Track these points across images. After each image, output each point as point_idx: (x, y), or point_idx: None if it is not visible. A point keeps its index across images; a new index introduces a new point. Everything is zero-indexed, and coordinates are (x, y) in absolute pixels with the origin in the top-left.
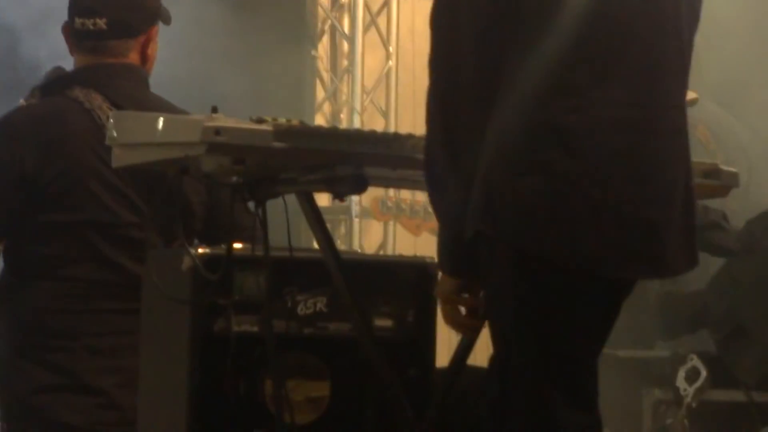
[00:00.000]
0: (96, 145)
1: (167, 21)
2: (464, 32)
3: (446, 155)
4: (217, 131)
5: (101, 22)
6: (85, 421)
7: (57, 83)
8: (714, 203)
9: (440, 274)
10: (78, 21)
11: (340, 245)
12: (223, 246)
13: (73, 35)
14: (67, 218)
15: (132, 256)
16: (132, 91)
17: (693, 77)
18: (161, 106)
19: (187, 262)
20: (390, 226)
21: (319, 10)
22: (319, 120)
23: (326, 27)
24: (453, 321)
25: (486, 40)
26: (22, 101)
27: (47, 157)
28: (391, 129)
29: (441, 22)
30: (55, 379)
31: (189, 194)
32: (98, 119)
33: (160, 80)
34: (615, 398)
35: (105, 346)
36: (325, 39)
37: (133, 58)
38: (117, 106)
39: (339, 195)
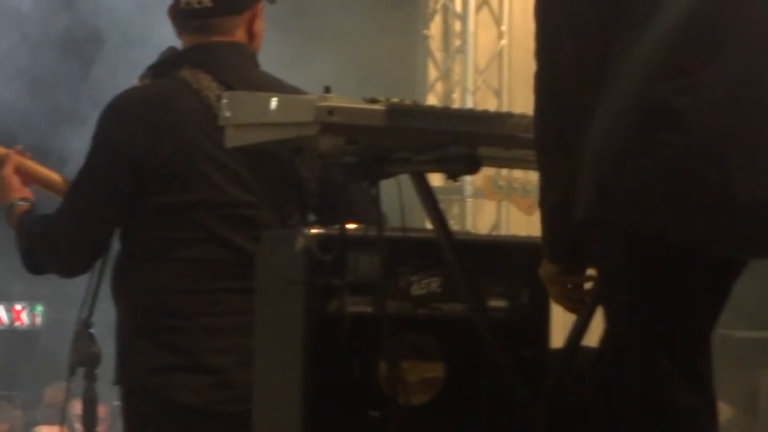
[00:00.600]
0: (205, 126)
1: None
2: (569, 15)
3: (554, 140)
4: (331, 111)
5: (206, 0)
6: (202, 400)
7: (166, 64)
8: None
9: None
10: (183, 1)
11: (453, 226)
12: (336, 226)
13: (179, 16)
14: (180, 200)
15: (246, 235)
16: (241, 70)
17: None
18: (270, 84)
19: (301, 243)
20: (503, 206)
21: None
22: (432, 100)
23: (438, 6)
24: (560, 297)
25: (592, 23)
26: (136, 80)
27: (157, 139)
28: (504, 108)
29: (546, 5)
30: (173, 359)
31: (302, 170)
32: (207, 99)
33: (263, 59)
34: (731, 378)
35: (222, 325)
36: (438, 18)
37: (240, 35)
38: (226, 85)
39: (452, 175)
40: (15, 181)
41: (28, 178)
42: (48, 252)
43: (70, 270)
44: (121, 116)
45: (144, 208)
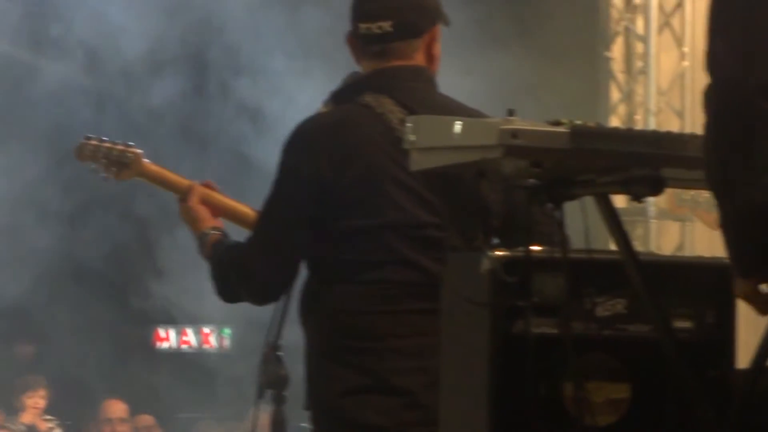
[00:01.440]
0: (390, 149)
1: (446, 22)
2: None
3: (737, 156)
4: (514, 134)
5: (386, 25)
6: (391, 421)
7: (348, 90)
8: None
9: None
10: (363, 26)
11: (637, 247)
12: (521, 248)
13: (359, 42)
14: (366, 223)
15: (432, 257)
16: (422, 93)
17: None
18: (452, 107)
19: (486, 264)
20: (687, 226)
21: (613, 11)
22: (614, 121)
23: (620, 28)
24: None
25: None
26: (321, 106)
27: (343, 164)
28: (687, 130)
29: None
30: (362, 380)
31: (486, 192)
32: (390, 123)
33: (450, 84)
34: None
35: (409, 346)
36: (619, 40)
37: (419, 59)
38: (408, 108)
39: (636, 196)
40: (203, 211)
41: (214, 209)
42: (241, 280)
43: (264, 297)
44: (307, 142)
45: (331, 231)
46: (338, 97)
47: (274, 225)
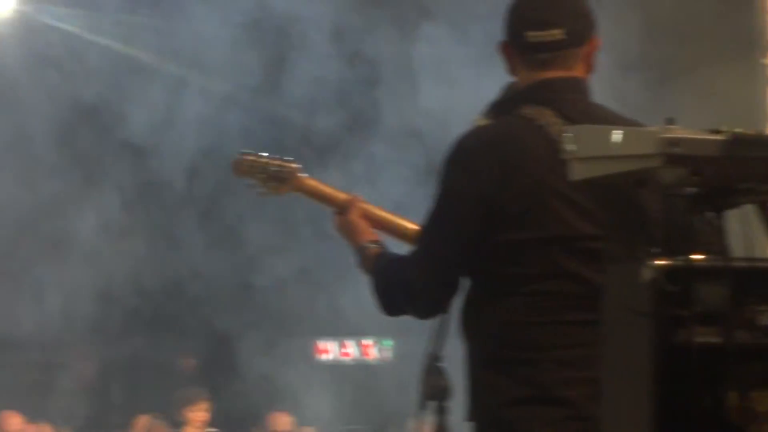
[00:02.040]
0: (552, 162)
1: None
2: None
3: None
4: (674, 142)
5: (558, 33)
6: None
7: (508, 102)
8: None
9: None
10: (532, 34)
11: None
12: (682, 257)
13: (523, 51)
14: (529, 236)
15: (593, 268)
16: (581, 104)
17: None
18: (610, 117)
19: (647, 274)
20: None
21: None
22: None
23: None
24: None
25: None
26: (477, 117)
27: (506, 179)
28: None
29: None
30: (524, 391)
31: (647, 202)
32: (551, 135)
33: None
34: None
35: (572, 357)
36: None
37: (580, 68)
38: (569, 120)
39: None
40: (363, 224)
41: (372, 223)
42: (404, 295)
43: (427, 312)
44: (468, 158)
45: (494, 244)
46: (497, 109)
47: (437, 240)
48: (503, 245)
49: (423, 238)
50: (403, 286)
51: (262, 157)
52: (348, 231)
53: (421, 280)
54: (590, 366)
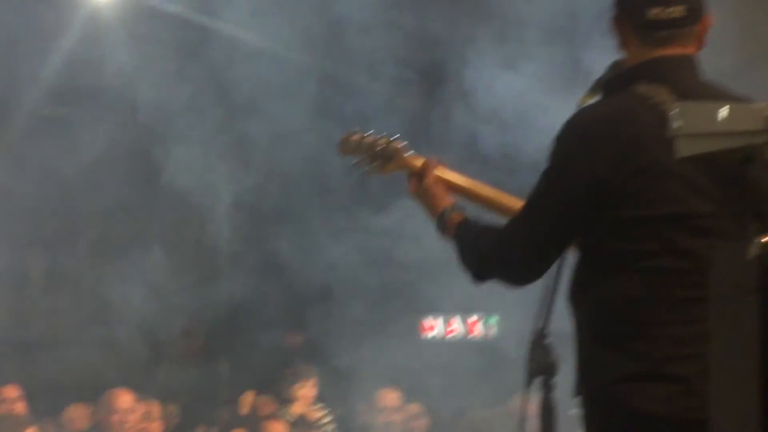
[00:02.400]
0: (665, 140)
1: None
2: None
3: None
4: None
5: (679, 10)
6: (667, 408)
7: (620, 79)
8: None
9: None
10: (653, 11)
11: None
12: None
13: (640, 27)
14: (642, 213)
15: (704, 245)
16: (693, 81)
17: None
18: (720, 94)
19: (754, 251)
20: None
21: None
22: None
23: None
24: None
25: None
26: (584, 97)
27: (619, 158)
28: None
29: None
30: (636, 367)
31: (757, 179)
32: (664, 113)
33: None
34: None
35: (683, 333)
36: None
37: (693, 46)
38: (682, 97)
39: None
40: (440, 189)
41: (448, 187)
42: (498, 263)
43: (520, 281)
44: (582, 134)
45: (605, 222)
46: (607, 87)
47: (543, 214)
48: (618, 222)
49: (528, 210)
50: (497, 254)
51: (368, 135)
52: (424, 196)
53: (519, 249)
54: (702, 343)
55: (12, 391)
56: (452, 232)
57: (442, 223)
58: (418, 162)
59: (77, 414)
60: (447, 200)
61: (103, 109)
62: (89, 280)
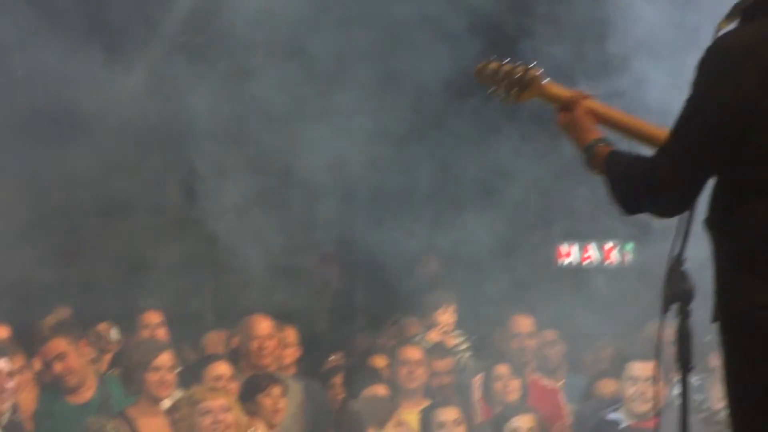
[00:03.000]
0: None
1: None
2: None
3: None
4: None
5: None
6: None
7: (760, 5)
8: None
9: None
10: None
11: None
12: None
13: None
14: None
15: None
16: None
17: None
18: None
19: None
20: None
21: None
22: None
23: None
24: None
25: None
26: (721, 22)
27: (764, 82)
28: None
29: None
30: None
31: None
32: None
33: None
34: None
35: None
36: None
37: None
38: None
39: None
40: (588, 122)
41: (596, 119)
42: (648, 193)
43: (670, 211)
44: (725, 62)
45: (749, 148)
46: (748, 13)
47: (688, 143)
48: (759, 148)
49: (675, 139)
50: (646, 185)
51: (505, 63)
52: (573, 128)
53: (667, 180)
54: None
55: (154, 317)
56: (600, 164)
57: (590, 155)
58: (556, 90)
59: (215, 340)
60: (595, 133)
61: None
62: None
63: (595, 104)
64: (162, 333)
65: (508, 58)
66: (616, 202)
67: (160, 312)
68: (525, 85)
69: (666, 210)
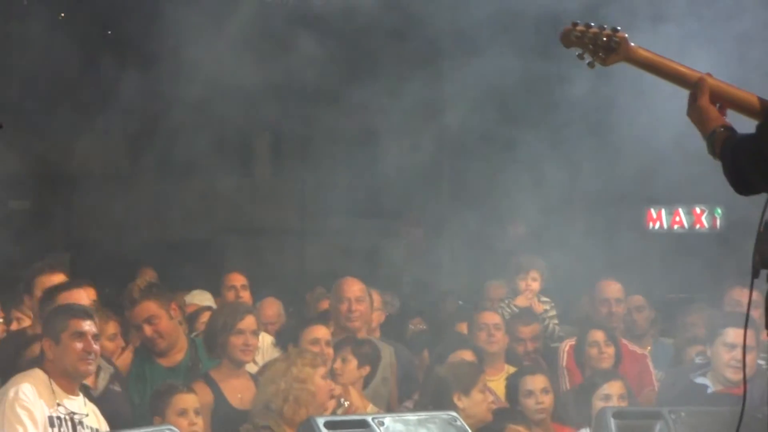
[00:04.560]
0: None
1: None
2: None
3: None
4: None
5: None
6: None
7: None
8: None
9: None
10: None
11: None
12: None
13: None
14: None
15: None
16: None
17: None
18: None
19: None
20: None
21: None
22: None
23: None
24: None
25: None
26: None
27: None
28: None
29: None
30: None
31: None
32: None
33: None
34: None
35: None
36: None
37: None
38: None
39: None
40: (712, 110)
41: (724, 101)
42: (755, 166)
43: None
44: None
45: None
46: None
47: None
48: None
49: None
50: (754, 160)
51: (591, 27)
52: (699, 117)
53: None
54: None
55: (239, 279)
56: (718, 152)
57: (711, 144)
58: (687, 73)
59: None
60: (717, 121)
61: None
62: None
63: (719, 84)
64: (246, 295)
65: (593, 23)
66: (732, 186)
67: (243, 274)
68: (611, 49)
69: None
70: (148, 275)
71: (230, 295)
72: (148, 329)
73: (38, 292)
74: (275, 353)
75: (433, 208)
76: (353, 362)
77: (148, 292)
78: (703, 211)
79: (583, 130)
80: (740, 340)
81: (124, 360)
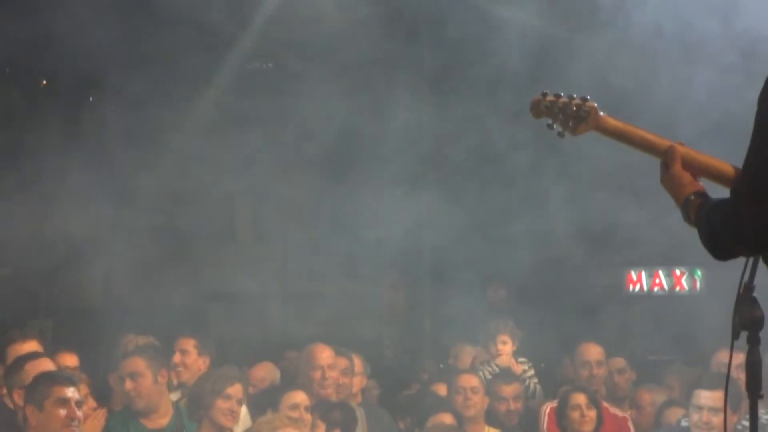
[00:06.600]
0: None
1: None
2: None
3: None
4: None
5: None
6: None
7: None
8: None
9: None
10: None
11: None
12: None
13: None
14: None
15: None
16: None
17: None
18: None
19: None
20: None
21: None
22: None
23: None
24: None
25: None
26: None
27: None
28: None
29: None
30: None
31: None
32: None
33: None
34: None
35: None
36: None
37: None
38: None
39: None
40: (686, 177)
41: (695, 170)
42: (731, 231)
43: (759, 244)
44: None
45: None
46: None
47: (761, 172)
48: None
49: (747, 172)
50: (729, 222)
51: (561, 96)
52: (671, 185)
53: (747, 212)
54: None
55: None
56: (692, 219)
57: (686, 212)
58: (614, 123)
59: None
60: (691, 188)
61: None
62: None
63: (690, 152)
64: (200, 360)
65: (562, 93)
66: (710, 252)
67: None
68: (581, 118)
69: (754, 245)
70: (148, 339)
71: (177, 358)
72: (129, 384)
73: (9, 361)
74: (248, 423)
75: (415, 272)
76: (321, 428)
77: (143, 350)
78: (683, 273)
79: (560, 192)
80: (713, 402)
81: (95, 422)
